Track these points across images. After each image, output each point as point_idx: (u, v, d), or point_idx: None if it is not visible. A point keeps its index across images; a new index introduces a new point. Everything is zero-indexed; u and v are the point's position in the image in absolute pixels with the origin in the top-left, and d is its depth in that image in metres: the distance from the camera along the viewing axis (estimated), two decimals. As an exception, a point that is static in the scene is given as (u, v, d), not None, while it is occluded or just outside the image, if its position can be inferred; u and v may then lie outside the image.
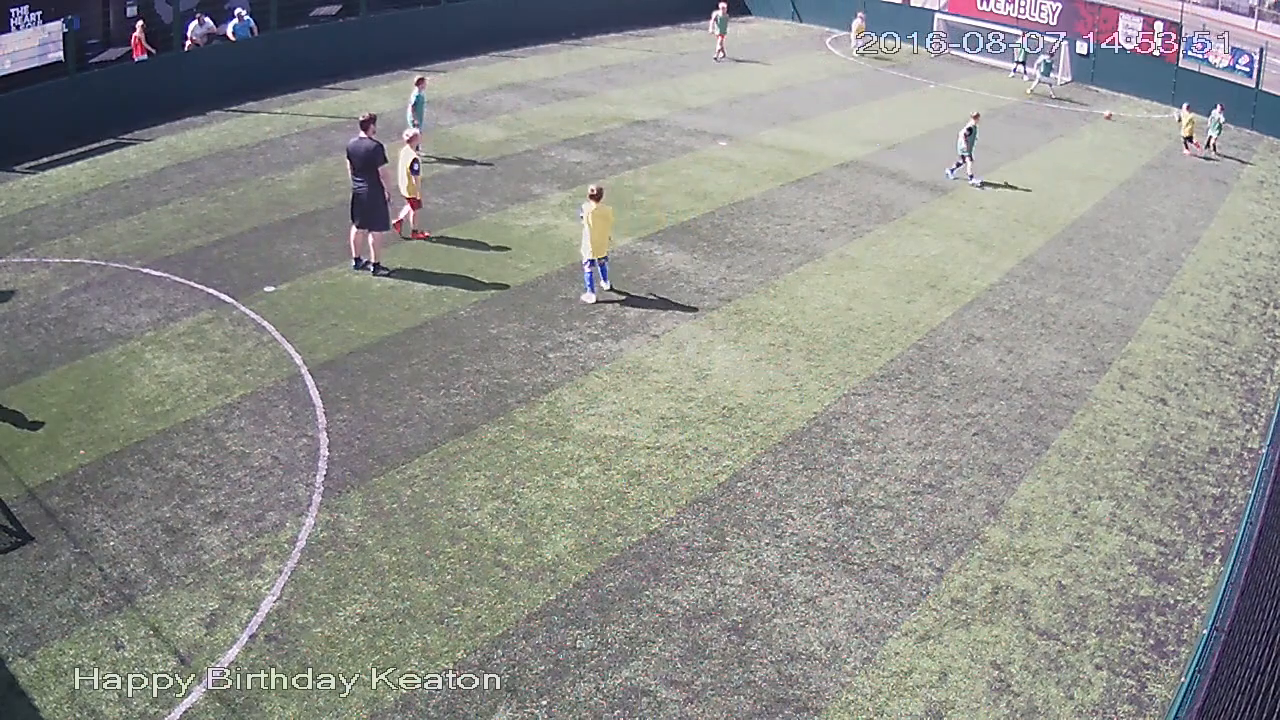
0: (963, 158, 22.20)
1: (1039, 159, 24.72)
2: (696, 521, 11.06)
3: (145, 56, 24.06)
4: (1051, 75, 30.79)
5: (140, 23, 24.24)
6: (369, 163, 15.26)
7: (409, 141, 16.99)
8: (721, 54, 31.90)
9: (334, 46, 27.18)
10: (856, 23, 34.43)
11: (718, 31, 31.80)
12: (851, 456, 12.38)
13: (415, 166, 16.83)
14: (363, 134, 15.40)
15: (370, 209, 15.50)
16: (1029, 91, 30.94)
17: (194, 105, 23.39)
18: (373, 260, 15.94)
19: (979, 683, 9.26)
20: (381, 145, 15.49)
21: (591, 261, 15.50)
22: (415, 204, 17.17)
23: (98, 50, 24.45)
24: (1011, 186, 22.32)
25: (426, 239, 17.34)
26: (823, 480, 11.91)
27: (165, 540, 10.21)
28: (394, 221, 16.71)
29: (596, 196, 15.17)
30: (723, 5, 31.94)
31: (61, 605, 9.32)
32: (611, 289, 15.87)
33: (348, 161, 15.64)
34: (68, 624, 9.11)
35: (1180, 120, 28.09)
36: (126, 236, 16.92)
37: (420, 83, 20.28)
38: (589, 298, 15.56)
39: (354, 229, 15.81)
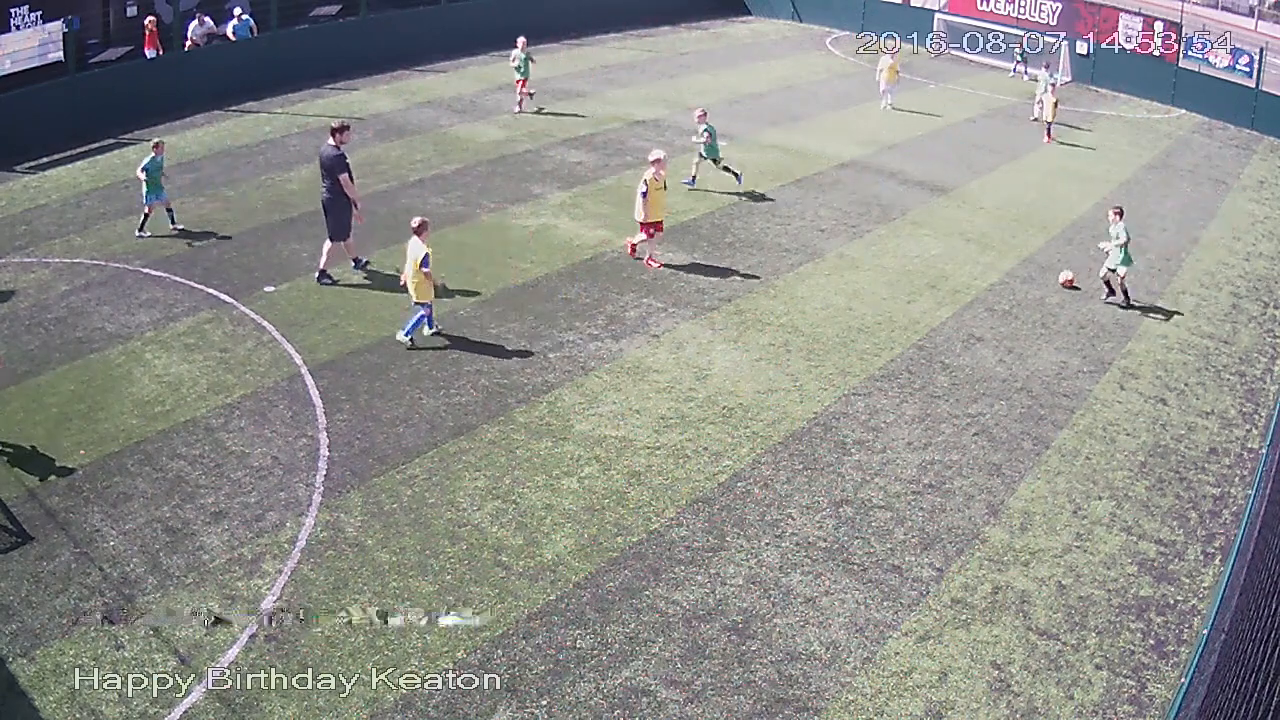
0: None
1: (1039, 159, 24.71)
2: (696, 521, 11.06)
3: (156, 51, 24.09)
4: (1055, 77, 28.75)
5: (151, 18, 24.28)
6: (329, 170, 15.21)
7: (653, 163, 16.37)
8: (519, 105, 24.89)
9: (334, 46, 27.19)
10: (887, 60, 28.04)
11: (518, 75, 24.65)
12: (851, 456, 12.38)
13: (643, 189, 16.15)
14: (330, 140, 15.34)
15: (330, 216, 15.37)
16: (1035, 119, 27.42)
17: (194, 105, 23.40)
18: (320, 266, 15.62)
19: (979, 683, 9.26)
20: (343, 155, 15.26)
21: (425, 305, 13.91)
22: (645, 229, 16.48)
23: (98, 50, 24.47)
24: None
25: (656, 265, 16.79)
26: (823, 480, 11.91)
27: (165, 540, 10.21)
28: (629, 243, 16.99)
29: (419, 230, 13.65)
30: (521, 41, 24.44)
31: (61, 605, 9.32)
32: (433, 334, 14.23)
33: None
34: (68, 624, 9.11)
35: (1041, 100, 26.39)
36: (126, 236, 16.91)
37: (157, 147, 16.84)
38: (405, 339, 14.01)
39: (327, 241, 15.64)
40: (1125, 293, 16.85)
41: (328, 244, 15.57)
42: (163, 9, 25.44)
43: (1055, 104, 25.98)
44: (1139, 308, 16.73)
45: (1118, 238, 16.31)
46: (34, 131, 20.38)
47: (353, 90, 25.74)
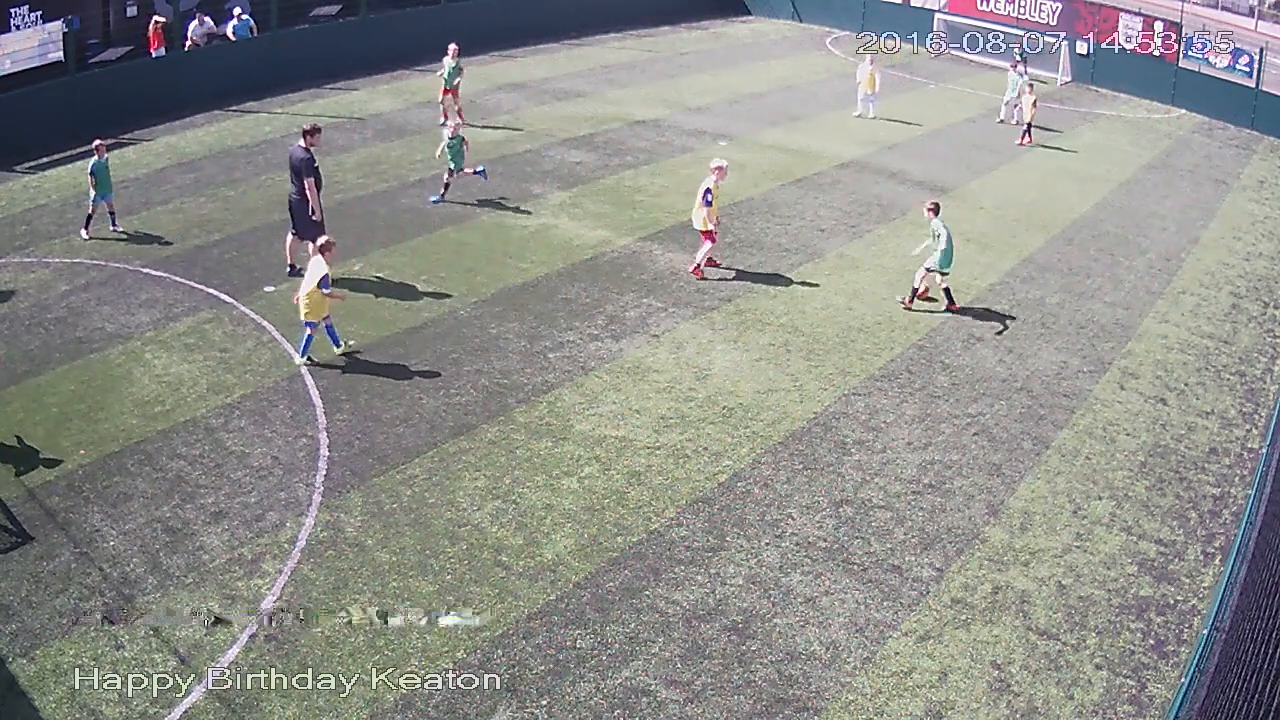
0: None
1: (1039, 159, 24.70)
2: (696, 521, 11.06)
3: (163, 50, 24.07)
4: (1013, 95, 27.18)
5: (157, 18, 24.25)
6: (295, 171, 15.23)
7: (715, 170, 16.20)
8: (444, 119, 22.09)
9: (334, 46, 27.17)
10: (867, 68, 26.53)
11: (447, 84, 22.78)
12: (851, 456, 12.38)
13: (708, 197, 15.99)
14: (301, 142, 15.34)
15: (298, 216, 15.37)
16: (1002, 120, 27.11)
17: (194, 105, 23.39)
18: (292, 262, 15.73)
19: (979, 683, 9.26)
20: (312, 158, 15.21)
21: (313, 325, 13.31)
22: (708, 236, 16.36)
23: (98, 50, 24.46)
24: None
25: (700, 276, 16.53)
26: (823, 480, 11.91)
27: (165, 540, 10.21)
28: (694, 269, 16.54)
29: (324, 249, 13.24)
30: (453, 48, 22.47)
31: (61, 605, 9.32)
32: (308, 361, 13.45)
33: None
34: (68, 624, 9.11)
35: (1018, 103, 25.82)
36: (126, 236, 16.91)
37: (98, 149, 16.50)
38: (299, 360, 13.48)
39: (289, 235, 15.62)
40: (948, 294, 16.03)
41: (309, 247, 15.50)
42: (163, 9, 25.42)
43: (1034, 103, 25.29)
44: (963, 312, 15.93)
45: (937, 235, 15.58)
46: (34, 131, 20.36)
47: (353, 90, 25.73)
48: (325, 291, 13.08)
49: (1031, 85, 26.03)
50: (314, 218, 15.26)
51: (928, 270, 15.88)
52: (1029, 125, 25.54)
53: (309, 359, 13.46)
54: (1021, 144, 25.52)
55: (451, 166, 18.64)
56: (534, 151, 22.15)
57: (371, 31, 28.03)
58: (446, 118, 22.77)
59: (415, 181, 19.99)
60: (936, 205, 15.90)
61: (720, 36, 35.91)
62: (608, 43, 33.37)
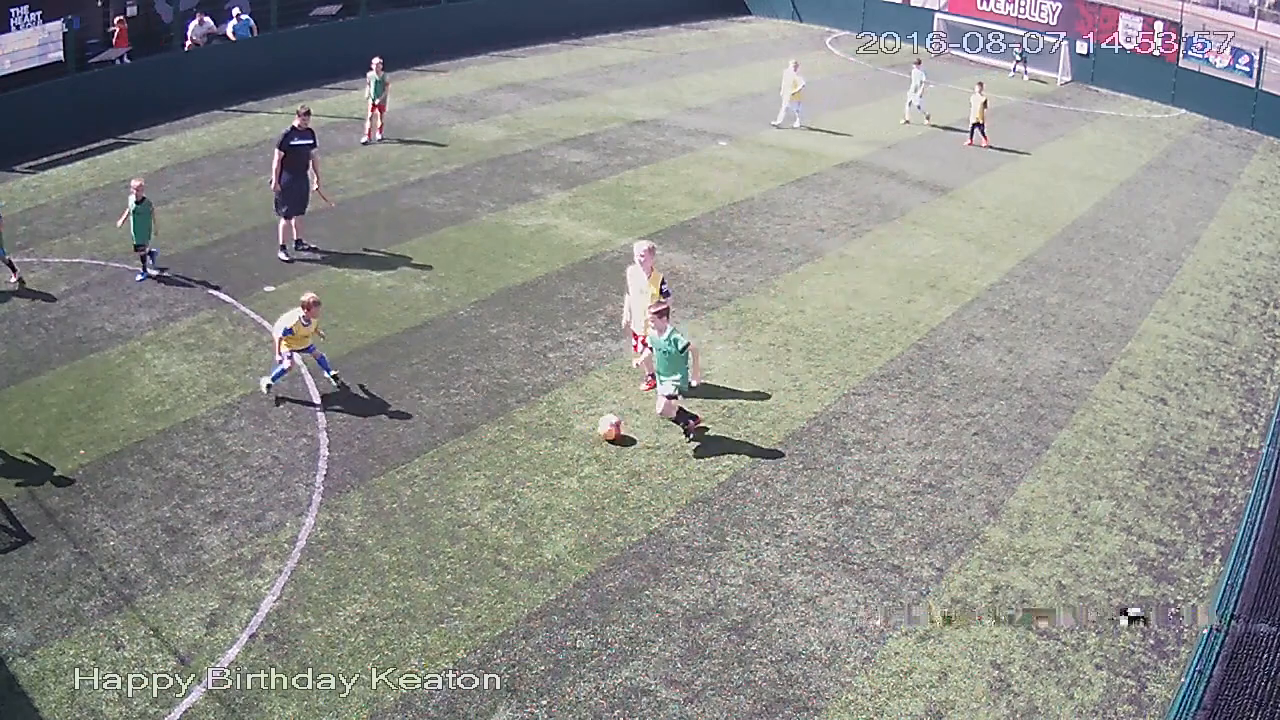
0: None
1: (1039, 159, 24.71)
2: (696, 521, 11.06)
3: (129, 48, 24.02)
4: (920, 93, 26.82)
5: (119, 16, 24.16)
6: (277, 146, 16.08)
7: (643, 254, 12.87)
8: (380, 134, 22.13)
9: (334, 46, 27.19)
10: (792, 75, 25.21)
11: (373, 100, 21.94)
12: (851, 456, 12.38)
13: (664, 288, 12.67)
14: (295, 122, 16.19)
15: (285, 192, 16.12)
16: (924, 121, 26.71)
17: (194, 105, 23.40)
18: (296, 238, 16.45)
19: (979, 683, 9.26)
20: (289, 133, 16.06)
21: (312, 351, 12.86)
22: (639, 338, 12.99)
23: (98, 50, 24.47)
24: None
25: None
26: (823, 480, 11.90)
27: (165, 540, 10.21)
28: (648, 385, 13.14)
29: (306, 306, 12.41)
30: (377, 62, 21.80)
31: (61, 605, 9.32)
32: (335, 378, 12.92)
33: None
34: (68, 624, 9.11)
35: (919, 94, 26.05)
36: (126, 236, 16.87)
37: None
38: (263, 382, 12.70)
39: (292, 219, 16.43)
40: (683, 415, 12.15)
41: (295, 220, 16.34)
42: (163, 9, 25.45)
43: (985, 104, 24.74)
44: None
45: (674, 343, 11.76)
46: (34, 131, 20.37)
47: (353, 90, 25.68)
48: (281, 337, 12.43)
49: (981, 84, 25.52)
50: (319, 189, 16.41)
51: (670, 398, 11.96)
52: (976, 125, 25.05)
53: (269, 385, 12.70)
54: (970, 145, 25.12)
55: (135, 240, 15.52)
56: (534, 151, 22.15)
57: (371, 31, 28.02)
58: (370, 136, 22.13)
59: (415, 181, 19.99)
60: (666, 308, 11.94)
61: (720, 36, 35.92)
62: (608, 43, 33.37)
